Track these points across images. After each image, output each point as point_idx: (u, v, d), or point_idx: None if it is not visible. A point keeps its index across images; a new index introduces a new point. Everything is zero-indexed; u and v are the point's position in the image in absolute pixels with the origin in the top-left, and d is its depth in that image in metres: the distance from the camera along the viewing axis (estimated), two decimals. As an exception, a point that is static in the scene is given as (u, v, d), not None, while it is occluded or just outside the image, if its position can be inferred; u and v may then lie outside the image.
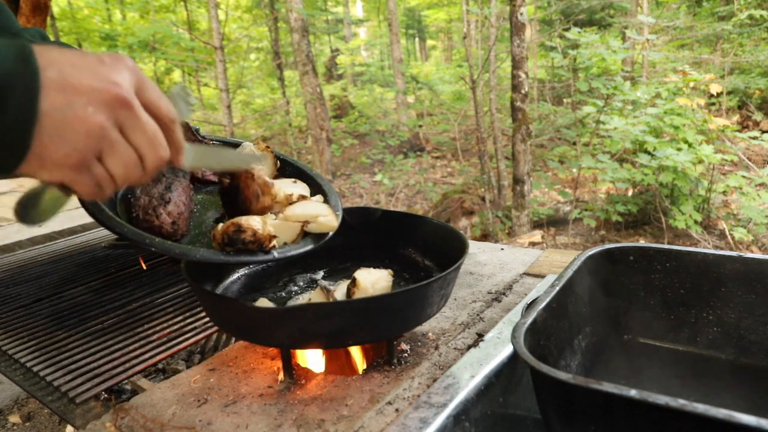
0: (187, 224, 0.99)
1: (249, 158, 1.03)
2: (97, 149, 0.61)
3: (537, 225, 6.53)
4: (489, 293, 1.24)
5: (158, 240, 0.88)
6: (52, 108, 0.57)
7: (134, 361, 1.05)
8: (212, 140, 1.20)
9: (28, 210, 0.66)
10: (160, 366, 1.05)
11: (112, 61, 0.63)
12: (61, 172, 0.61)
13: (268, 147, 1.19)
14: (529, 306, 0.82)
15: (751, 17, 8.43)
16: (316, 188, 1.15)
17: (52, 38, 1.09)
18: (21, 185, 3.16)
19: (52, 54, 0.59)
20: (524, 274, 1.34)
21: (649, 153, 5.49)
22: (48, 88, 0.57)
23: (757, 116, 9.25)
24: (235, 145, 1.22)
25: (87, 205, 0.86)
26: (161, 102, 0.67)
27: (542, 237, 6.05)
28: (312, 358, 1.02)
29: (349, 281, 0.97)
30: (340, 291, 0.98)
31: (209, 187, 1.17)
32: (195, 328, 1.17)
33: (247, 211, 0.95)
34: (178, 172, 1.05)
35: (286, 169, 1.24)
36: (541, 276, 1.32)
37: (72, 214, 2.27)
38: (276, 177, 1.20)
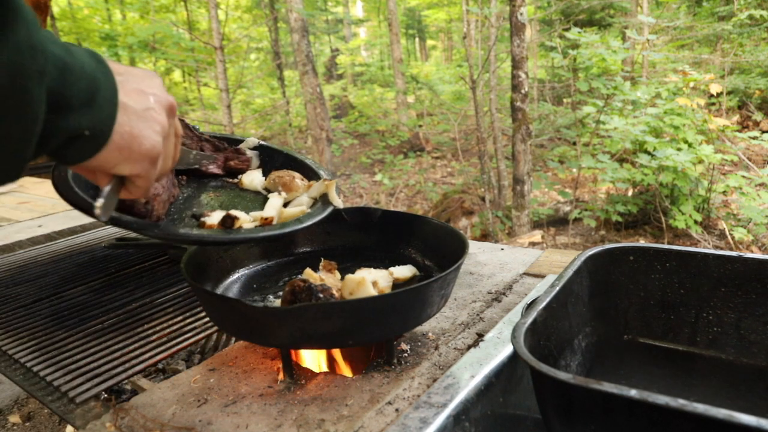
0: (165, 208, 0.98)
1: (202, 157, 1.11)
2: (163, 145, 0.67)
3: (537, 225, 6.53)
4: (489, 293, 1.24)
5: (118, 214, 0.87)
6: (130, 102, 0.62)
7: (134, 361, 1.05)
8: (212, 137, 1.20)
9: (107, 206, 0.67)
10: (160, 366, 1.05)
11: (154, 75, 0.70)
12: (142, 165, 0.65)
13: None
14: (529, 306, 0.82)
15: (751, 17, 8.44)
16: (307, 171, 1.19)
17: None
18: (21, 185, 3.16)
19: (111, 63, 0.64)
20: (524, 274, 1.34)
21: (649, 153, 5.49)
22: (122, 86, 0.62)
23: (757, 116, 9.25)
24: (238, 141, 1.25)
25: (57, 185, 0.88)
26: None
27: (542, 237, 6.05)
28: (312, 358, 1.02)
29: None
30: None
31: (216, 181, 1.17)
32: (195, 328, 1.17)
33: None
34: None
35: (275, 159, 1.25)
36: (541, 276, 1.32)
37: (72, 214, 2.27)
38: (267, 171, 1.22)
